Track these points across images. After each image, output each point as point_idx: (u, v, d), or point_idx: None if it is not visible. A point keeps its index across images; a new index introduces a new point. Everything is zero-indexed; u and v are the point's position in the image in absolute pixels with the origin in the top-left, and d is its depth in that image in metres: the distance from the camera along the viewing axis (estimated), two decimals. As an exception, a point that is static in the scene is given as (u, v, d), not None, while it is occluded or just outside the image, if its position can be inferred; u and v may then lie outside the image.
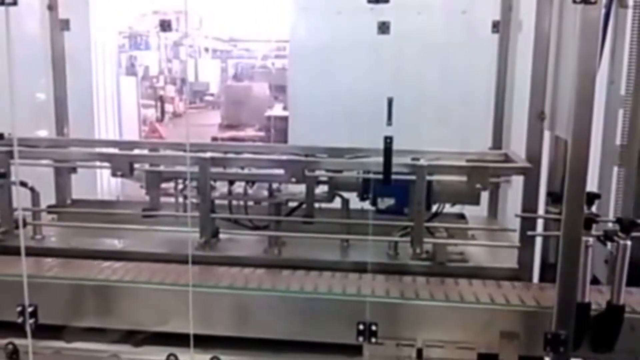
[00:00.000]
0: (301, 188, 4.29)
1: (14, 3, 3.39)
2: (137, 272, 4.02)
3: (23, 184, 4.20)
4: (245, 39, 32.89)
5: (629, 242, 3.45)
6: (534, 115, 4.03)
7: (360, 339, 3.64)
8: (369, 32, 3.98)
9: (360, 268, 3.98)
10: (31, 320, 3.70)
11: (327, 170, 4.30)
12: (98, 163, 5.13)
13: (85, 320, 3.88)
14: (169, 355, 3.69)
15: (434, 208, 4.34)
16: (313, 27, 6.91)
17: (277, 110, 19.35)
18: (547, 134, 4.05)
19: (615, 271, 3.46)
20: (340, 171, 4.32)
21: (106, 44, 8.64)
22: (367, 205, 4.31)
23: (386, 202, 4.18)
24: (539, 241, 4.15)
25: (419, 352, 3.68)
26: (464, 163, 4.07)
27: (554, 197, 3.90)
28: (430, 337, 3.68)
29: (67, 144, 5.03)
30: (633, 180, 4.11)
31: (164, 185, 4.41)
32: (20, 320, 3.72)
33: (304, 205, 4.34)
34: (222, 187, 4.40)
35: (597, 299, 3.59)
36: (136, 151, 4.86)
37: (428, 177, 3.96)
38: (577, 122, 3.21)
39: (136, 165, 4.21)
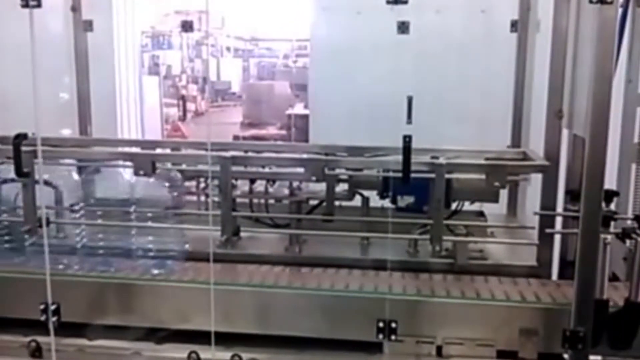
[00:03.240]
0: (322, 186, 4.32)
1: (38, 5, 3.42)
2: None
3: (47, 183, 4.23)
4: (267, 38, 32.89)
5: (647, 240, 3.46)
6: (552, 113, 4.04)
7: (380, 336, 3.65)
8: (388, 31, 4.01)
9: (380, 266, 3.99)
10: (54, 318, 3.73)
11: (347, 169, 4.33)
12: (121, 162, 5.16)
13: (108, 318, 3.92)
14: (190, 353, 3.72)
15: (454, 206, 4.36)
16: (333, 27, 6.91)
17: (298, 109, 19.33)
18: (565, 132, 4.06)
19: (633, 268, 3.47)
20: (360, 169, 4.34)
21: (129, 43, 8.66)
22: (387, 203, 4.33)
23: (406, 200, 4.20)
24: (557, 239, 4.16)
25: (439, 349, 3.70)
26: (482, 161, 4.09)
27: (572, 195, 3.91)
28: (450, 335, 3.70)
29: (90, 143, 5.08)
30: (651, 178, 4.13)
31: (186, 183, 4.44)
32: (43, 318, 3.76)
33: (324, 204, 4.37)
34: (243, 185, 4.42)
35: (615, 296, 3.60)
36: (158, 150, 4.89)
37: (447, 176, 3.97)
38: (594, 121, 3.22)
39: (158, 165, 4.25)
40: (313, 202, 4.48)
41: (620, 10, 3.55)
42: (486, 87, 6.10)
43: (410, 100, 4.14)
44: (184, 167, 4.43)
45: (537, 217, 4.11)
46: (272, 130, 20.48)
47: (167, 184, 4.41)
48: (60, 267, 4.09)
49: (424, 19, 4.25)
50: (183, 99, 25.14)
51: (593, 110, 3.21)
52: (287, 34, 28.85)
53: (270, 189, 4.46)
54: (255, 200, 4.53)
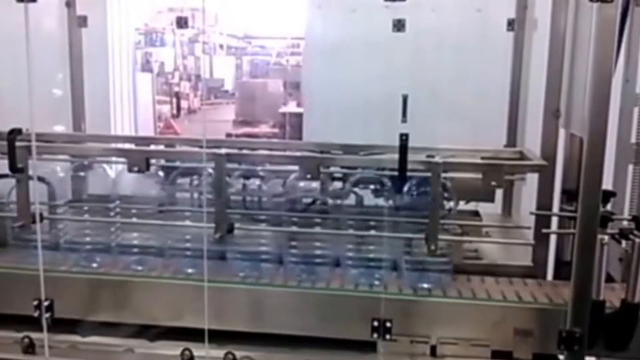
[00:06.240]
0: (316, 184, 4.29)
1: (33, 0, 3.41)
2: (152, 266, 4.07)
3: (40, 179, 4.21)
4: (260, 36, 32.90)
5: (644, 241, 3.45)
6: (549, 112, 4.04)
7: (375, 335, 3.65)
8: (383, 29, 3.99)
9: (375, 265, 3.98)
10: (47, 314, 3.73)
11: (342, 167, 4.30)
12: (114, 158, 5.14)
13: (101, 314, 3.91)
14: (183, 350, 3.71)
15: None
16: (328, 25, 6.90)
17: (291, 107, 19.36)
18: (562, 132, 4.05)
19: (630, 269, 3.47)
20: (355, 168, 4.31)
21: (123, 40, 8.66)
22: (381, 201, 4.31)
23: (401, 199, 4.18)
24: (553, 239, 4.15)
25: (433, 349, 3.69)
26: (479, 161, 4.07)
27: (569, 195, 3.91)
28: (444, 334, 3.69)
29: (84, 139, 5.06)
30: (648, 179, 4.13)
31: (180, 180, 4.42)
32: (36, 314, 3.76)
33: (318, 202, 4.35)
34: (237, 183, 4.39)
35: (611, 297, 3.59)
36: (152, 147, 4.87)
37: (443, 174, 3.95)
38: (593, 120, 3.21)
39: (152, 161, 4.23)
40: (307, 200, 4.46)
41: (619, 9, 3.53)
42: (482, 86, 6.10)
43: (405, 99, 4.12)
44: (177, 163, 4.40)
45: (532, 217, 4.10)
46: (264, 129, 20.48)
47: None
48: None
49: (419, 17, 4.22)
50: (177, 96, 25.15)
51: (592, 110, 3.19)
52: (280, 32, 28.83)
53: (264, 187, 4.43)
54: (248, 198, 4.49)
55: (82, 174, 4.60)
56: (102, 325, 3.87)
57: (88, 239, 4.25)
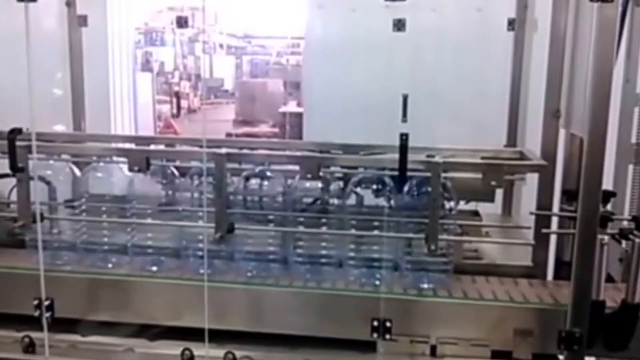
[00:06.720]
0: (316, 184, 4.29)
1: (34, -1, 3.42)
2: (152, 266, 4.08)
3: (41, 179, 4.21)
4: (260, 35, 32.87)
5: (645, 241, 3.45)
6: (549, 112, 4.03)
7: (375, 335, 3.65)
8: (384, 29, 3.99)
9: (375, 264, 3.98)
10: (47, 314, 3.72)
11: (343, 167, 4.30)
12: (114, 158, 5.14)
13: (101, 314, 3.91)
14: (183, 350, 3.70)
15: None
16: (328, 25, 6.90)
17: (291, 107, 19.35)
18: (562, 132, 4.05)
19: (630, 269, 3.46)
20: (355, 168, 4.31)
21: (123, 39, 8.65)
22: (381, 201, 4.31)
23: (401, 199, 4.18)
24: (553, 239, 4.15)
25: (433, 348, 3.69)
26: (479, 161, 4.06)
27: (569, 195, 3.90)
28: (444, 334, 3.69)
29: (85, 139, 5.06)
30: (648, 179, 4.13)
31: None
32: (36, 313, 3.76)
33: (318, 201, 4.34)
34: (237, 182, 4.39)
35: (611, 297, 3.59)
36: (152, 147, 4.86)
37: (443, 174, 3.95)
38: (593, 120, 3.21)
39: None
40: (308, 200, 4.45)
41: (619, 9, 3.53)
42: (482, 86, 6.10)
43: (405, 99, 4.12)
44: (177, 163, 4.40)
45: (532, 217, 4.10)
46: (264, 128, 20.49)
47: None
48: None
49: (419, 16, 4.21)
50: (177, 95, 25.13)
51: (592, 110, 3.19)
52: (280, 32, 28.81)
53: (264, 187, 4.42)
54: (249, 198, 4.49)
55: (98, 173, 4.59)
56: (102, 325, 3.87)
57: (90, 238, 4.26)
